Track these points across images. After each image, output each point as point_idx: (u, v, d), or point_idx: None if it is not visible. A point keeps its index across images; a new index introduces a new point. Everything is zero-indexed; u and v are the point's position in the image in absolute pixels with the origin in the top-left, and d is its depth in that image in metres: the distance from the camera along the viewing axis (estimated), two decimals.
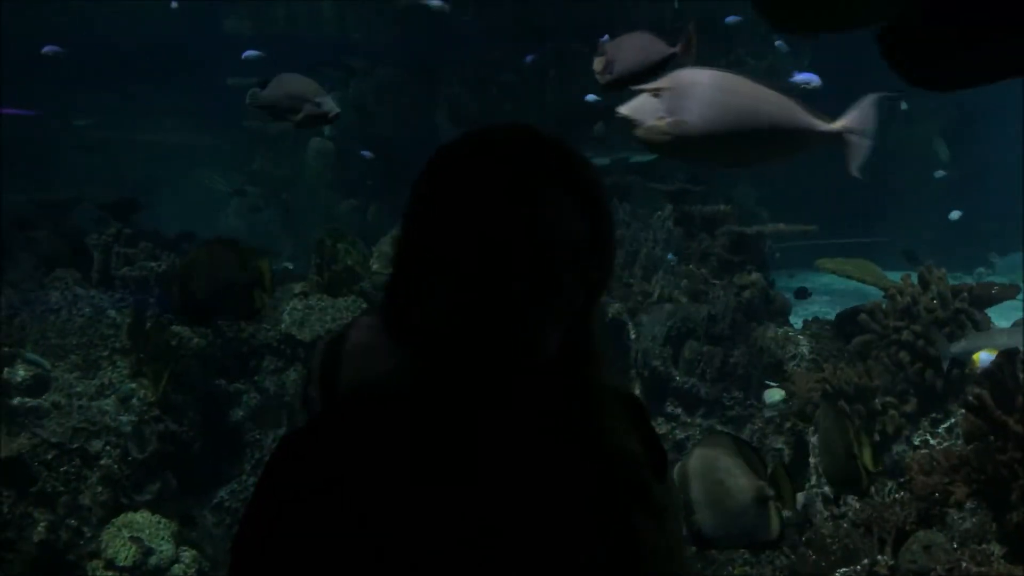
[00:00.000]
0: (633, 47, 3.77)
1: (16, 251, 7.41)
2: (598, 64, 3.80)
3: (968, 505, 4.20)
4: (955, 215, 12.04)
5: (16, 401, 5.72)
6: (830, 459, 4.01)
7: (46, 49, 10.38)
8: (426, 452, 1.21)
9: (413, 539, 1.17)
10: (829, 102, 3.34)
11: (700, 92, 3.19)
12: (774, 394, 5.93)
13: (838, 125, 3.23)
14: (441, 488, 1.19)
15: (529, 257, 1.18)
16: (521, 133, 1.25)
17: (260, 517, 1.22)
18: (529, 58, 10.78)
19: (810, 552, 4.62)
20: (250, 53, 9.43)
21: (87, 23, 13.59)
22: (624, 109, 3.26)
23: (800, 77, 7.87)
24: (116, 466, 5.68)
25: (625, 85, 3.60)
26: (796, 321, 7.00)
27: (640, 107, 3.24)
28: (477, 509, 1.20)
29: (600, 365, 1.30)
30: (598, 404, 1.30)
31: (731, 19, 9.38)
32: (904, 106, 11.56)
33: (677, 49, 3.77)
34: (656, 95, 3.23)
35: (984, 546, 4.01)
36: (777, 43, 10.44)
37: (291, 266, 9.04)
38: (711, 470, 3.27)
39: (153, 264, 6.95)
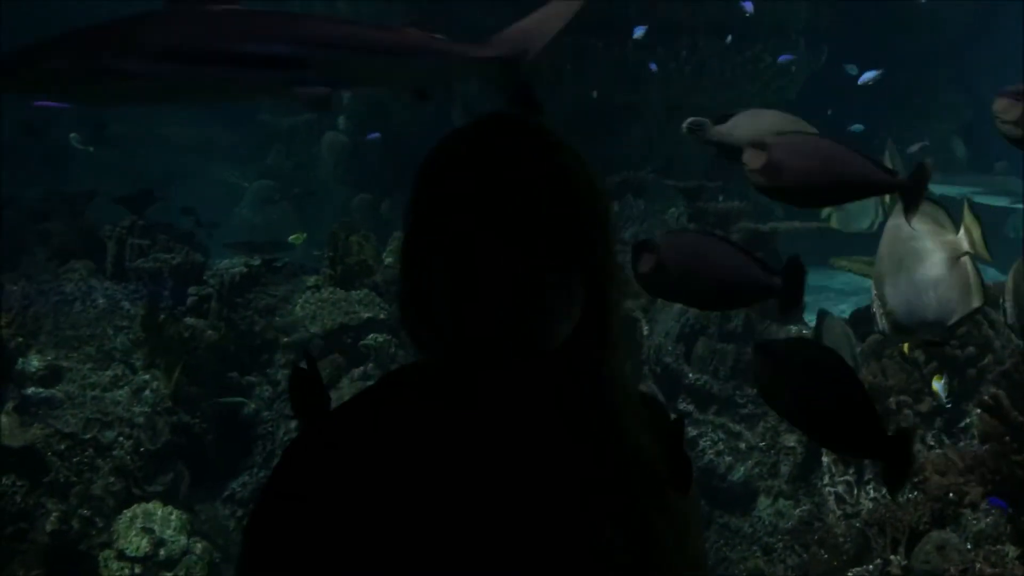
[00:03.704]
0: None
1: (31, 243, 7.44)
2: None
3: (983, 506, 4.17)
4: None
5: (30, 391, 5.75)
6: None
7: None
8: (440, 445, 1.22)
9: (424, 528, 1.18)
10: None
11: None
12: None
13: None
14: (453, 484, 1.20)
15: (512, 244, 1.18)
16: (504, 123, 1.30)
17: (280, 498, 1.24)
18: None
19: (822, 551, 4.60)
20: None
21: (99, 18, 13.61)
22: None
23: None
24: (129, 457, 5.70)
25: None
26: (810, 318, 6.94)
27: None
28: (490, 501, 1.21)
29: (617, 355, 1.30)
30: (614, 400, 1.30)
31: (746, 4, 9.19)
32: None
33: None
34: None
35: (999, 547, 3.98)
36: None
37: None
38: (897, 239, 2.76)
39: (167, 256, 6.97)
